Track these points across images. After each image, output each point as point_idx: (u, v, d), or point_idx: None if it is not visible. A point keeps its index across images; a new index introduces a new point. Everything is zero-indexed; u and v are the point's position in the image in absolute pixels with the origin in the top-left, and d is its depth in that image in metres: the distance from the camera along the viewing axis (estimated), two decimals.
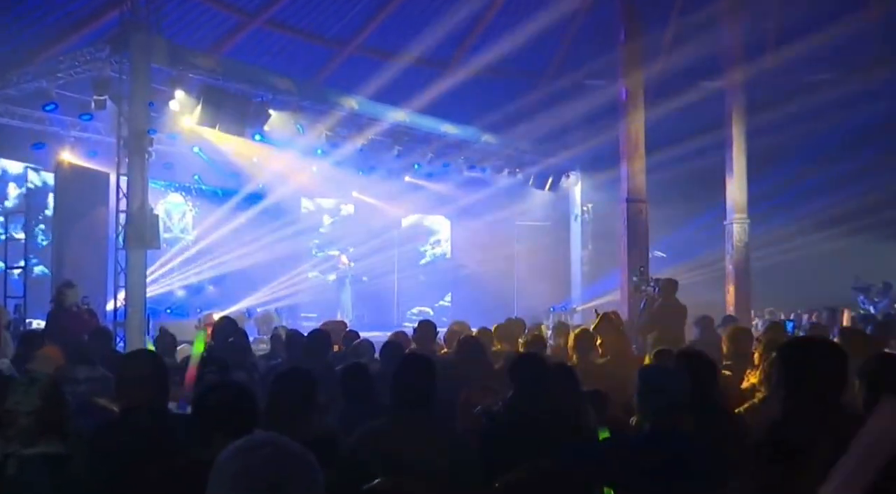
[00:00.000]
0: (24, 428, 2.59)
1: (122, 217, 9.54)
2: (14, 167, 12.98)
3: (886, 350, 5.25)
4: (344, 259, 16.81)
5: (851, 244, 15.16)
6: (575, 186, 17.28)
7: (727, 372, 4.90)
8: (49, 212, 12.55)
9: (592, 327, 6.72)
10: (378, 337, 7.89)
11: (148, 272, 10.20)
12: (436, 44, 14.00)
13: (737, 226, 13.41)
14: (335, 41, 14.64)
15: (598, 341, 6.13)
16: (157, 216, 9.84)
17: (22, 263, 11.45)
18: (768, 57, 14.20)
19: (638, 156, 11.63)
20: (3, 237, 11.72)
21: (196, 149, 13.97)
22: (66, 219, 11.72)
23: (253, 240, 15.13)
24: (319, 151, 13.86)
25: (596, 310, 7.94)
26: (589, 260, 17.11)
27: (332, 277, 17.07)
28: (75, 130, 12.39)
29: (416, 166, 15.47)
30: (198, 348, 7.99)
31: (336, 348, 6.58)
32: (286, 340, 6.56)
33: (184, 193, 15.90)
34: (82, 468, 2.68)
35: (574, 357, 5.82)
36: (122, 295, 9.60)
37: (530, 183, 16.45)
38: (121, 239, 9.57)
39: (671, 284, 8.62)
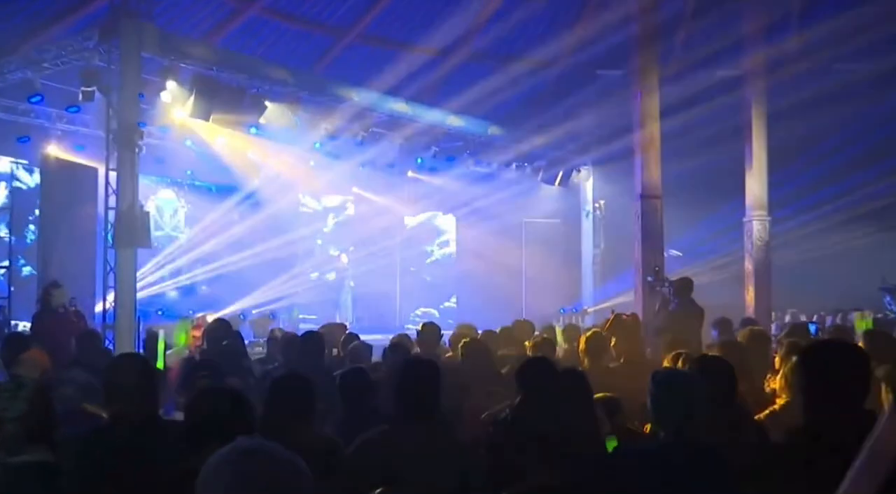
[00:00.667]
0: (11, 435, 2.55)
1: (112, 214, 9.40)
2: (0, 163, 12.71)
3: None
4: (344, 259, 16.45)
5: (879, 242, 14.68)
6: (586, 181, 16.84)
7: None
8: (37, 211, 12.28)
9: (604, 328, 6.60)
10: (379, 340, 7.70)
11: (138, 272, 10.06)
12: (440, 32, 13.56)
13: (756, 224, 12.94)
14: (335, 29, 14.21)
15: (612, 343, 5.97)
16: (147, 213, 9.67)
17: (6, 263, 11.33)
18: (791, 41, 13.59)
19: (653, 149, 11.22)
20: None
21: (188, 143, 13.70)
22: (52, 216, 11.41)
23: (248, 238, 14.84)
24: (317, 145, 13.58)
25: (613, 311, 7.77)
26: (601, 259, 16.69)
27: (331, 276, 16.72)
28: (62, 123, 12.24)
29: (418, 160, 15.03)
30: (180, 339, 7.57)
31: (336, 353, 6.53)
32: (283, 343, 6.49)
33: (176, 189, 15.64)
34: (71, 477, 2.65)
35: (585, 361, 5.66)
36: (111, 296, 9.49)
37: (539, 177, 15.96)
38: (110, 237, 9.46)
39: (686, 284, 8.26)
